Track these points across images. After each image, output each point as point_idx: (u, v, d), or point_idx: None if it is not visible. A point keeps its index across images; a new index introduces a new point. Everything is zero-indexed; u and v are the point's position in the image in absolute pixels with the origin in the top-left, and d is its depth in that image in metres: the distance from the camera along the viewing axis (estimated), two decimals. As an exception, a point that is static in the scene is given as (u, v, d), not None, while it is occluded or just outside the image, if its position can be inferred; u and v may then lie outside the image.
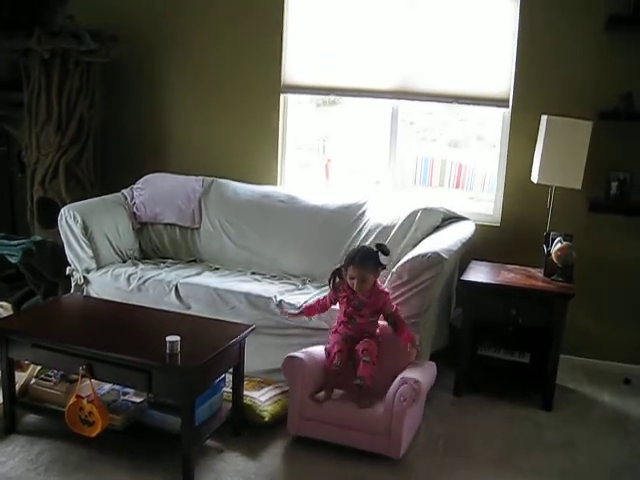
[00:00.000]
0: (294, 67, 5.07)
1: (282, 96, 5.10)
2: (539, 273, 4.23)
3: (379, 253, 3.54)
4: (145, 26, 5.35)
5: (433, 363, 3.75)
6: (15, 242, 4.98)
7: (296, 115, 5.23)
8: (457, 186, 5.14)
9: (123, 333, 3.46)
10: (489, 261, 4.50)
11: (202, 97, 5.34)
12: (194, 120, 5.39)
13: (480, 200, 4.92)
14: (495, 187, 4.77)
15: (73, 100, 5.08)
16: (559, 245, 4.09)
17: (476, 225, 4.54)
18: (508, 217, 4.71)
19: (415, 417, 3.57)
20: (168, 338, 3.08)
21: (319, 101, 5.46)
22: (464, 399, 4.13)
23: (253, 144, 5.22)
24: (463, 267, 4.39)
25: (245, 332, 3.45)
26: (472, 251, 4.51)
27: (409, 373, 3.38)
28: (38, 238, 5.07)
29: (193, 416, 3.13)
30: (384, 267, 3.58)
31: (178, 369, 3.05)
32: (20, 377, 3.75)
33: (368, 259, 3.51)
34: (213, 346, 3.24)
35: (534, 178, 4.31)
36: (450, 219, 4.50)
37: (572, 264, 4.10)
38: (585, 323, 4.59)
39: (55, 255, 4.90)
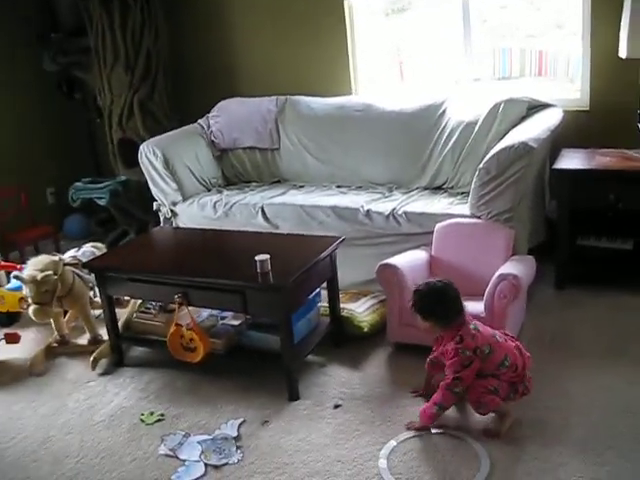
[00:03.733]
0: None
1: (346, 2, 4.89)
2: (637, 154, 3.97)
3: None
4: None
5: (532, 257, 3.61)
6: (101, 185, 5.07)
7: (367, 25, 5.02)
8: (539, 74, 4.85)
9: (213, 258, 3.47)
10: (582, 147, 4.25)
11: (266, 16, 5.20)
12: (261, 40, 5.27)
13: (566, 86, 4.62)
14: (581, 70, 4.47)
15: (138, 36, 5.06)
16: (657, 120, 3.82)
17: (564, 111, 4.28)
18: (598, 99, 4.41)
19: (517, 314, 3.46)
20: (257, 257, 3.06)
21: (388, 10, 5.21)
22: (567, 292, 3.98)
23: (323, 57, 5.06)
24: (554, 157, 4.17)
25: (334, 244, 3.39)
26: (563, 139, 4.26)
27: (507, 269, 3.26)
28: (123, 178, 5.16)
29: (291, 333, 3.13)
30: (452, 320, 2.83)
31: (270, 287, 3.03)
32: (122, 313, 3.86)
33: (430, 311, 2.86)
34: (303, 261, 3.21)
35: (622, 53, 3.99)
36: (536, 108, 4.26)
37: (673, 139, 3.83)
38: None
39: (142, 193, 4.98)
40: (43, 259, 3.69)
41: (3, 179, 5.30)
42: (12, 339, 3.99)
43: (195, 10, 5.39)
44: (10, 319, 4.22)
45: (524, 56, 4.88)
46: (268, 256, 3.07)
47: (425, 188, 4.35)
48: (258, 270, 3.06)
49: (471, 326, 2.80)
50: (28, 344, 3.96)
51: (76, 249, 4.11)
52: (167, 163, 4.57)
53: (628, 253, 3.95)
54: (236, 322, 3.48)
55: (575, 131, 4.36)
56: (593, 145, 4.24)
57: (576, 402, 2.95)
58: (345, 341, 3.57)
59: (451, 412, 2.91)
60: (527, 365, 2.85)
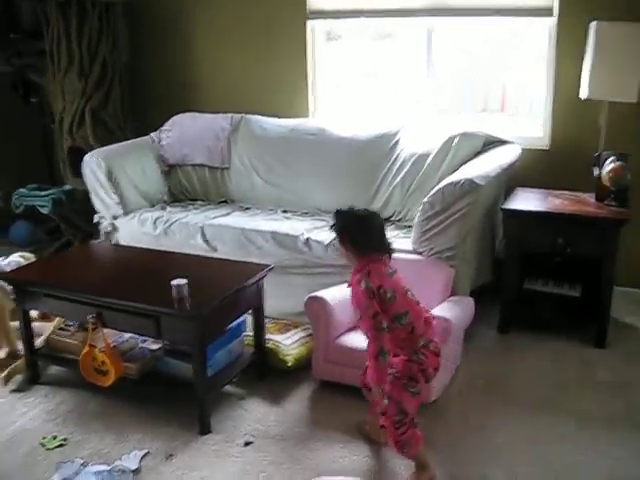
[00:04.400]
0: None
1: (309, 23, 4.78)
2: (590, 198, 3.86)
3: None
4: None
5: (471, 299, 3.48)
6: (45, 193, 4.92)
7: (327, 48, 4.93)
8: (502, 110, 4.74)
9: (134, 279, 3.30)
10: (541, 187, 4.13)
11: (227, 32, 5.08)
12: (222, 56, 5.15)
13: (528, 123, 4.52)
14: (543, 108, 4.36)
15: (94, 43, 4.93)
16: (611, 165, 3.70)
17: (524, 149, 4.18)
18: (558, 139, 4.31)
19: (451, 357, 3.30)
20: (174, 282, 2.90)
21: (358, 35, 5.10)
22: (510, 336, 3.84)
23: (282, 77, 4.95)
24: (510, 195, 4.05)
25: (262, 272, 3.24)
26: (521, 178, 4.19)
27: (440, 311, 3.11)
28: (68, 187, 5.01)
29: (205, 364, 2.96)
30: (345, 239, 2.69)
31: (185, 314, 2.87)
32: (47, 328, 3.69)
33: (350, 234, 2.67)
34: (225, 289, 3.05)
35: (583, 94, 3.90)
36: (493, 143, 4.15)
37: (627, 186, 3.70)
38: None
39: (88, 204, 4.80)
40: (-40, 266, 3.52)
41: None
42: None
43: (156, 22, 5.28)
44: None
45: (488, 90, 4.77)
46: (185, 281, 2.91)
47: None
48: (174, 295, 2.90)
49: (388, 269, 2.60)
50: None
51: (2, 258, 3.94)
52: (110, 175, 4.43)
53: (576, 300, 3.83)
54: (155, 347, 3.31)
55: (534, 170, 4.29)
56: (552, 185, 4.14)
57: (500, 454, 2.80)
58: (269, 373, 3.40)
59: (363, 458, 2.75)
60: (427, 336, 2.61)
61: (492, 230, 4.14)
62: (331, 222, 2.71)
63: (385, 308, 2.53)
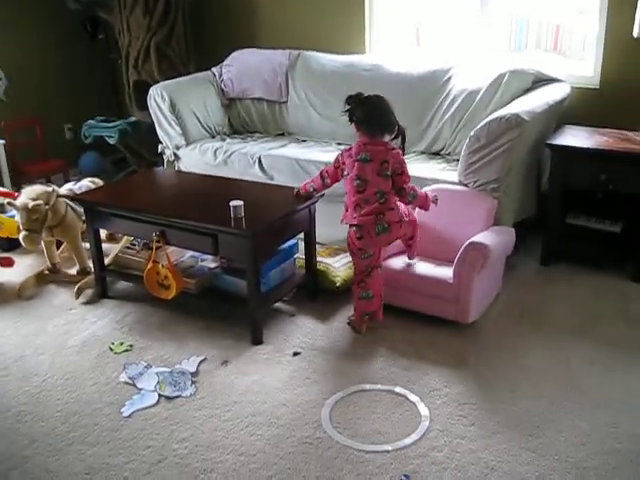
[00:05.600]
0: None
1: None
2: (637, 137, 3.92)
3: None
4: None
5: (512, 229, 3.62)
6: (112, 124, 5.17)
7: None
8: (555, 49, 4.77)
9: (195, 201, 3.55)
10: (589, 126, 4.20)
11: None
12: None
13: (580, 60, 4.55)
14: (594, 48, 4.39)
15: (159, -20, 5.09)
16: (659, 103, 3.76)
17: (574, 88, 4.25)
18: (609, 78, 4.33)
19: (489, 283, 3.48)
20: (232, 203, 3.13)
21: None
22: (551, 268, 3.98)
23: (340, 14, 5.04)
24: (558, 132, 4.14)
25: (314, 198, 3.44)
26: (571, 116, 4.25)
27: (480, 238, 3.27)
28: (133, 119, 5.26)
29: (258, 279, 3.20)
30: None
31: (240, 232, 3.09)
32: (114, 248, 3.98)
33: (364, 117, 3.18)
34: (279, 211, 3.28)
35: (636, 32, 3.93)
36: (543, 81, 4.23)
37: (674, 125, 3.77)
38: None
39: (152, 135, 5.04)
40: (37, 189, 3.81)
41: (24, 112, 5.43)
42: (6, 263, 4.16)
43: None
44: (10, 244, 4.35)
45: (540, 29, 4.80)
46: (242, 202, 3.13)
47: (422, 152, 4.37)
48: (232, 215, 3.13)
49: (363, 155, 3.09)
50: (23, 269, 4.12)
51: (74, 182, 4.22)
52: (174, 107, 4.65)
53: (616, 236, 3.93)
54: (213, 265, 3.57)
55: (585, 109, 4.33)
56: (600, 124, 4.18)
57: (529, 374, 2.98)
58: (319, 294, 3.63)
59: (401, 370, 2.98)
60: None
61: (539, 166, 4.23)
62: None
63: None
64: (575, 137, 3.97)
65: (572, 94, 4.21)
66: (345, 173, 3.20)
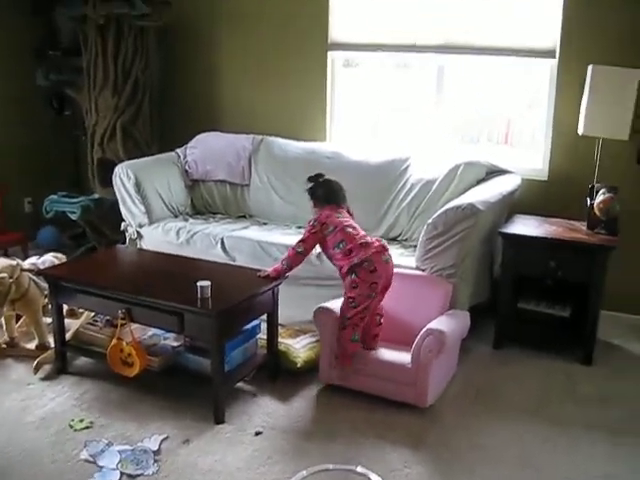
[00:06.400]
0: (340, 26, 5.10)
1: (329, 54, 5.14)
2: (582, 226, 4.16)
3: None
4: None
5: (467, 312, 3.77)
6: (75, 200, 5.24)
7: (351, 76, 5.31)
8: (505, 142, 5.06)
9: (161, 280, 3.62)
10: (538, 215, 4.44)
11: (252, 58, 5.44)
12: (245, 80, 5.50)
13: (530, 153, 4.83)
14: (543, 142, 4.69)
15: (128, 63, 5.27)
16: (602, 197, 4.01)
17: (524, 179, 4.52)
18: (556, 171, 4.62)
19: (446, 367, 3.60)
20: (199, 283, 3.22)
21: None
22: (504, 351, 4.13)
23: (302, 103, 5.29)
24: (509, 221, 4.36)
25: (278, 280, 3.54)
26: (520, 206, 4.51)
27: (436, 324, 3.40)
28: (96, 196, 5.33)
29: (222, 358, 3.26)
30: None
31: (207, 312, 3.17)
32: (74, 324, 4.00)
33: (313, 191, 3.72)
34: (244, 292, 3.37)
35: (580, 130, 4.21)
36: (495, 172, 4.48)
37: (616, 216, 4.00)
38: (634, 279, 4.50)
39: (114, 212, 5.13)
40: (1, 262, 3.83)
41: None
42: (-37, 337, 4.11)
43: (185, 46, 5.65)
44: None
45: (492, 123, 5.09)
46: (209, 283, 3.22)
47: (380, 238, 4.52)
48: (198, 295, 3.21)
49: (337, 215, 3.53)
50: (-21, 343, 4.09)
51: (37, 257, 4.26)
52: (139, 186, 4.76)
53: (565, 320, 4.11)
54: (176, 343, 3.61)
55: (533, 199, 4.59)
56: (549, 214, 4.44)
57: (485, 454, 3.07)
58: (280, 375, 3.69)
59: (362, 450, 3.04)
60: (361, 255, 3.38)
61: (491, 253, 4.44)
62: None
63: (328, 238, 3.48)
64: (526, 226, 4.19)
65: (522, 185, 4.47)
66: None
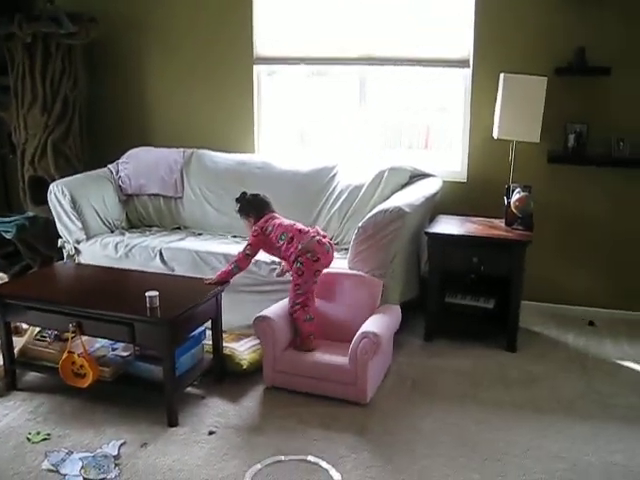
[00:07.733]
0: (264, 40, 5.31)
1: (255, 67, 5.34)
2: (501, 223, 4.49)
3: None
4: (122, 7, 5.58)
5: (398, 307, 4.04)
6: (9, 219, 5.26)
7: (276, 87, 5.51)
8: (426, 146, 5.37)
9: (108, 293, 3.75)
10: (458, 215, 4.76)
11: (180, 73, 5.58)
12: (174, 95, 5.64)
13: (447, 159, 5.14)
14: (461, 146, 5.00)
15: (57, 81, 5.33)
16: (517, 195, 4.35)
17: (445, 182, 4.82)
18: (474, 173, 4.95)
19: (381, 363, 3.85)
20: (148, 293, 3.37)
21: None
22: (434, 344, 4.42)
23: (230, 116, 5.47)
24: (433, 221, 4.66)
25: (220, 287, 3.73)
26: (442, 206, 4.82)
27: (370, 325, 3.63)
28: (31, 214, 5.37)
29: (174, 364, 3.42)
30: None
31: (157, 321, 3.33)
32: (19, 341, 4.05)
33: (243, 209, 4.12)
34: (190, 300, 3.53)
35: (495, 134, 4.54)
36: (418, 176, 4.76)
37: (531, 213, 4.35)
38: (550, 270, 4.87)
39: (48, 230, 5.20)
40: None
41: None
42: None
43: (114, 63, 5.74)
44: None
45: (412, 130, 5.39)
46: (157, 293, 3.38)
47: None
48: (147, 305, 3.36)
49: (277, 219, 3.96)
50: None
51: (-22, 277, 4.30)
52: (74, 203, 4.83)
53: (490, 311, 4.43)
54: (125, 353, 3.74)
55: (454, 200, 4.90)
56: (469, 213, 4.76)
57: (424, 437, 3.34)
58: (226, 377, 3.87)
59: (311, 441, 3.25)
60: (304, 241, 3.80)
61: (418, 252, 4.72)
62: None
63: (269, 237, 3.90)
64: (449, 225, 4.49)
65: (444, 187, 4.77)
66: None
